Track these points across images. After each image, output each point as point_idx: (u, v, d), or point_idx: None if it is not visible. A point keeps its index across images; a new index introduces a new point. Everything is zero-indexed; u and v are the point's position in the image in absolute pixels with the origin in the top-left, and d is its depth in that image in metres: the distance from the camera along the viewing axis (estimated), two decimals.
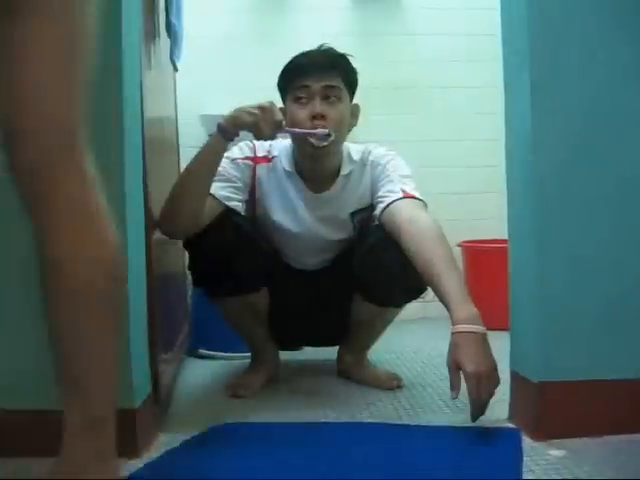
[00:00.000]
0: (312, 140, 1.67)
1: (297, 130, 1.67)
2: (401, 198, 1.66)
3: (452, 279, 1.46)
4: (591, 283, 1.37)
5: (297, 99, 1.71)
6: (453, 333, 1.39)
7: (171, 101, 2.27)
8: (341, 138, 1.74)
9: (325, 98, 1.69)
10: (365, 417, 1.56)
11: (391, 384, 1.80)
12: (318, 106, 1.68)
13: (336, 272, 1.83)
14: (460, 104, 2.94)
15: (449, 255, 1.52)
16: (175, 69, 2.30)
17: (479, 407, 1.35)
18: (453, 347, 1.37)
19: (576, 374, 1.36)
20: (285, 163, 1.79)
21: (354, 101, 1.80)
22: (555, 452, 1.28)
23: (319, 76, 1.69)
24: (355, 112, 1.80)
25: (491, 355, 1.37)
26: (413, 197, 1.67)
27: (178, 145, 2.42)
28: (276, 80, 1.77)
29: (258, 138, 1.62)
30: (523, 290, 1.44)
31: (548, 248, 1.37)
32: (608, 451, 1.27)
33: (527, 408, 1.41)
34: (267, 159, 1.80)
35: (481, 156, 2.88)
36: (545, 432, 1.34)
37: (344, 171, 1.78)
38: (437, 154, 2.91)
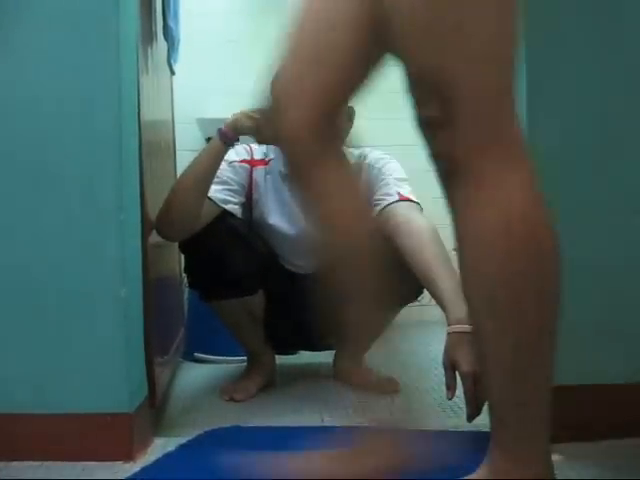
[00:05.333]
0: None
1: None
2: (397, 201, 1.67)
3: (447, 279, 1.46)
4: (591, 287, 1.37)
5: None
6: (449, 333, 1.39)
7: (168, 105, 2.27)
8: None
9: None
10: (361, 421, 1.56)
11: (387, 388, 1.80)
12: None
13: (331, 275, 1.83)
14: None
15: (444, 255, 1.52)
16: (172, 73, 2.30)
17: (475, 407, 1.35)
18: (449, 347, 1.37)
19: (574, 378, 1.35)
20: (281, 165, 1.79)
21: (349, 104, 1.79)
22: (552, 456, 1.27)
23: None
24: (350, 115, 1.80)
25: None
26: (409, 200, 1.68)
27: (175, 149, 2.42)
28: None
29: (259, 142, 1.62)
30: None
31: None
32: (605, 456, 1.27)
33: None
34: (264, 162, 1.80)
35: None
36: None
37: None
38: None
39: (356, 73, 0.99)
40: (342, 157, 1.02)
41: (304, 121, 0.94)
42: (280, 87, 0.97)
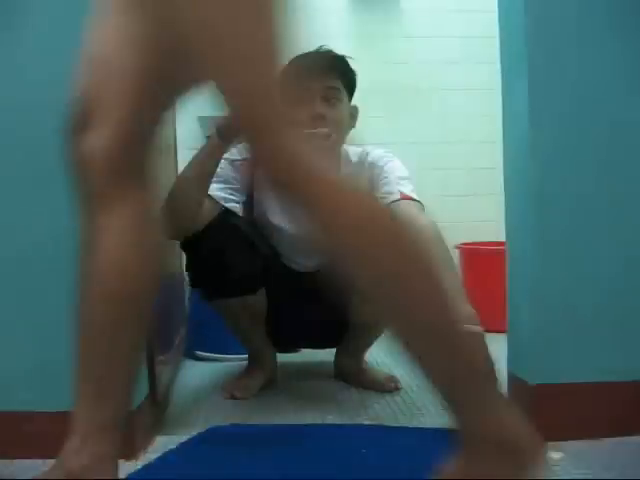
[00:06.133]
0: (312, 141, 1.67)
1: None
2: (399, 199, 1.67)
3: (449, 279, 1.45)
4: (589, 286, 1.37)
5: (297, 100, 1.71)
6: None
7: None
8: (340, 139, 1.75)
9: (325, 99, 1.71)
10: (363, 419, 1.56)
11: (389, 386, 1.80)
12: (318, 107, 1.69)
13: (334, 274, 1.83)
14: (458, 106, 2.95)
15: (446, 255, 1.52)
16: None
17: None
18: None
19: (574, 376, 1.36)
20: None
21: (352, 102, 1.80)
22: (553, 454, 1.28)
23: (319, 77, 1.70)
24: (354, 113, 1.80)
25: (489, 356, 1.37)
26: (410, 198, 1.68)
27: (176, 147, 2.41)
28: None
29: None
30: (520, 292, 1.44)
31: (546, 250, 1.37)
32: (606, 453, 1.28)
33: (524, 410, 1.40)
34: None
35: (479, 158, 2.88)
36: (542, 434, 1.33)
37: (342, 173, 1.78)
38: (435, 156, 2.91)
39: (158, 99, 0.97)
40: (142, 193, 0.93)
41: (105, 151, 0.88)
42: (82, 106, 0.91)
